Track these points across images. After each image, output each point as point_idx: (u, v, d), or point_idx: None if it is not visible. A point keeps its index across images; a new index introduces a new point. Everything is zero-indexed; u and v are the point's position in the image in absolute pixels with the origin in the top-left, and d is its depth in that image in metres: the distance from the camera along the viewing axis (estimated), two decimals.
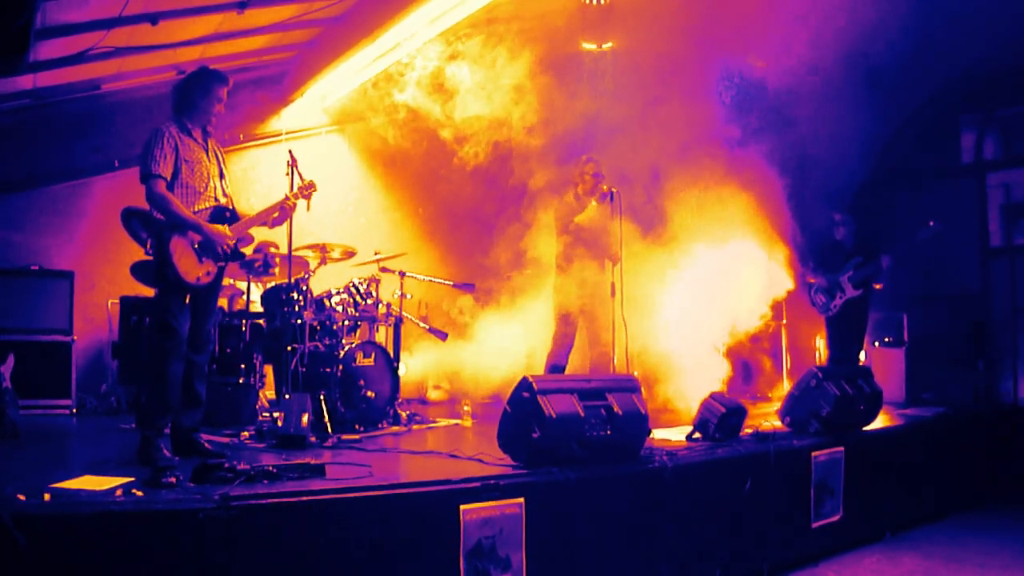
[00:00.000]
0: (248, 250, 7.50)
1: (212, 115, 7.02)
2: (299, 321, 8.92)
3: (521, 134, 10.46)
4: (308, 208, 7.79)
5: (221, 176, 7.11)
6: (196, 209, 6.81)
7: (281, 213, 7.47)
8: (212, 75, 7.02)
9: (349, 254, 10.07)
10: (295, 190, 7.66)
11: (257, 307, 9.92)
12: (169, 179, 6.69)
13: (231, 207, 7.11)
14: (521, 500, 5.81)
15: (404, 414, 9.49)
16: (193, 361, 6.93)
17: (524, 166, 10.64)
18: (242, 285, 10.17)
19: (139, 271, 9.99)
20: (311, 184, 7.76)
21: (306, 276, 9.45)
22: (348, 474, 5.84)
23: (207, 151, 7.02)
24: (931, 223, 10.77)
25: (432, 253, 13.99)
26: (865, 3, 10.85)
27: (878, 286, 11.21)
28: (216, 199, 6.99)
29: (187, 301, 6.81)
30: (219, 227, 6.86)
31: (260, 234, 8.99)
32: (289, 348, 8.86)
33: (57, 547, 4.35)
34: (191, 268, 6.70)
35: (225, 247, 6.86)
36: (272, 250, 9.91)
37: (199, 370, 7.00)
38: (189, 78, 7.03)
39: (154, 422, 6.63)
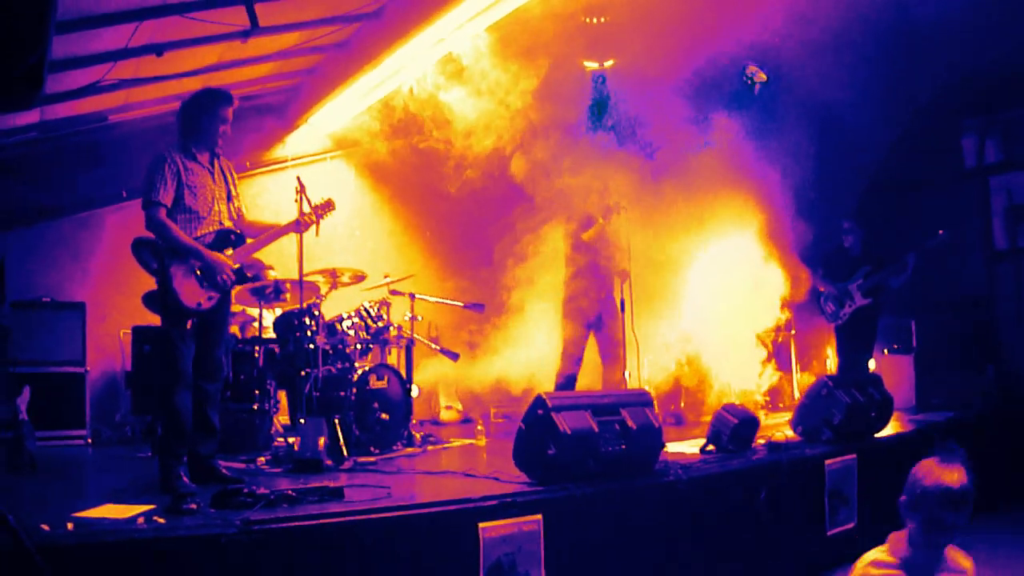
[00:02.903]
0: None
1: (218, 136, 6.99)
2: (312, 346, 8.97)
3: (524, 153, 10.50)
4: (317, 233, 7.81)
5: (229, 199, 7.09)
6: (199, 234, 6.80)
7: (296, 230, 7.56)
8: (215, 95, 7.00)
9: (359, 278, 10.10)
10: (309, 209, 7.68)
11: (270, 333, 9.94)
12: (170, 205, 6.69)
13: (237, 230, 7.09)
14: (539, 516, 5.84)
15: (418, 435, 9.52)
16: (204, 390, 6.89)
17: (529, 184, 10.69)
18: (254, 312, 10.19)
19: (150, 301, 10.02)
20: (328, 203, 7.79)
21: (317, 301, 9.49)
22: (366, 496, 5.88)
23: (213, 174, 7.00)
24: (941, 231, 10.82)
25: (441, 274, 14.00)
26: (863, 9, 10.92)
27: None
28: (220, 223, 6.98)
29: (189, 327, 6.77)
30: (220, 255, 6.83)
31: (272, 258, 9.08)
32: (303, 373, 8.90)
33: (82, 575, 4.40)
34: (192, 294, 6.69)
35: (225, 277, 6.81)
36: (272, 274, 9.94)
37: (211, 399, 6.97)
38: (192, 100, 7.01)
39: (171, 450, 6.64)
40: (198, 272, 6.72)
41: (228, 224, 7.05)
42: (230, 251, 6.96)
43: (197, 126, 6.93)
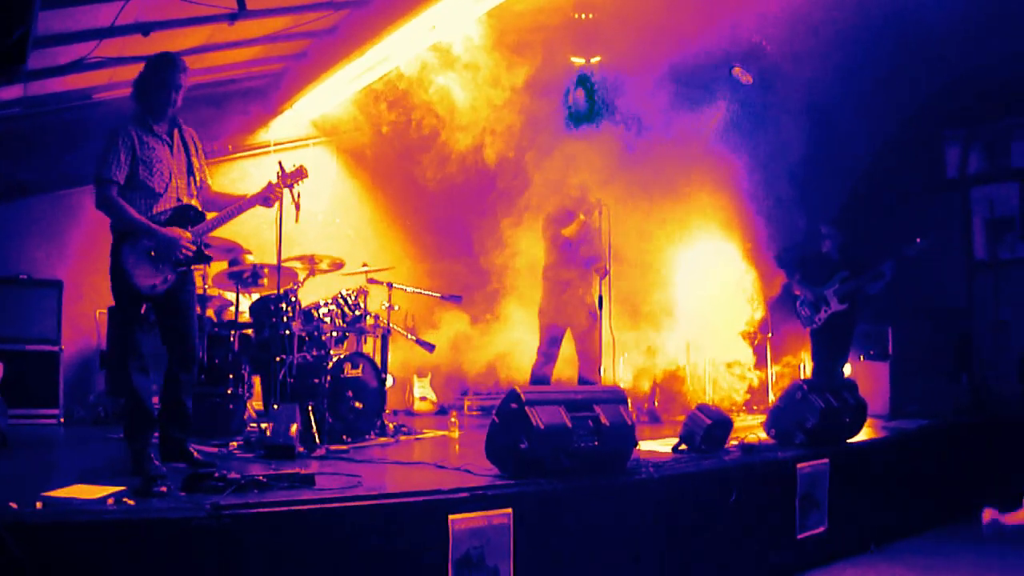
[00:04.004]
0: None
1: (171, 105, 6.66)
2: (287, 332, 8.92)
3: (508, 146, 10.49)
4: (297, 220, 7.61)
5: (190, 172, 6.81)
6: (155, 212, 6.56)
7: (264, 204, 7.08)
8: (166, 61, 6.66)
9: (337, 265, 10.08)
10: (277, 179, 7.21)
11: (247, 318, 9.91)
12: (123, 183, 6.45)
13: (197, 206, 6.80)
14: (509, 510, 5.84)
15: (391, 425, 9.50)
16: (179, 379, 6.74)
17: (511, 177, 10.68)
18: (231, 296, 10.15)
19: None
20: (300, 170, 7.35)
21: (294, 287, 9.45)
22: (337, 484, 5.87)
23: (172, 146, 6.72)
24: (918, 239, 10.85)
25: (419, 264, 14.01)
26: (849, 18, 10.94)
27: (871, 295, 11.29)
28: (178, 199, 6.70)
29: (143, 311, 6.59)
30: (175, 229, 6.56)
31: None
32: (277, 359, 8.87)
33: (50, 555, 4.36)
34: (145, 275, 6.48)
35: (183, 251, 6.56)
36: (249, 258, 9.89)
37: (185, 387, 6.79)
38: (145, 70, 6.69)
39: (137, 434, 6.53)
40: (152, 253, 6.49)
41: (187, 200, 6.77)
42: (184, 230, 6.63)
43: (150, 96, 6.65)
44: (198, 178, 6.91)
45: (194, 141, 6.95)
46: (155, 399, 6.74)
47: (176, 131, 6.83)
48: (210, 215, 6.90)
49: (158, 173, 6.60)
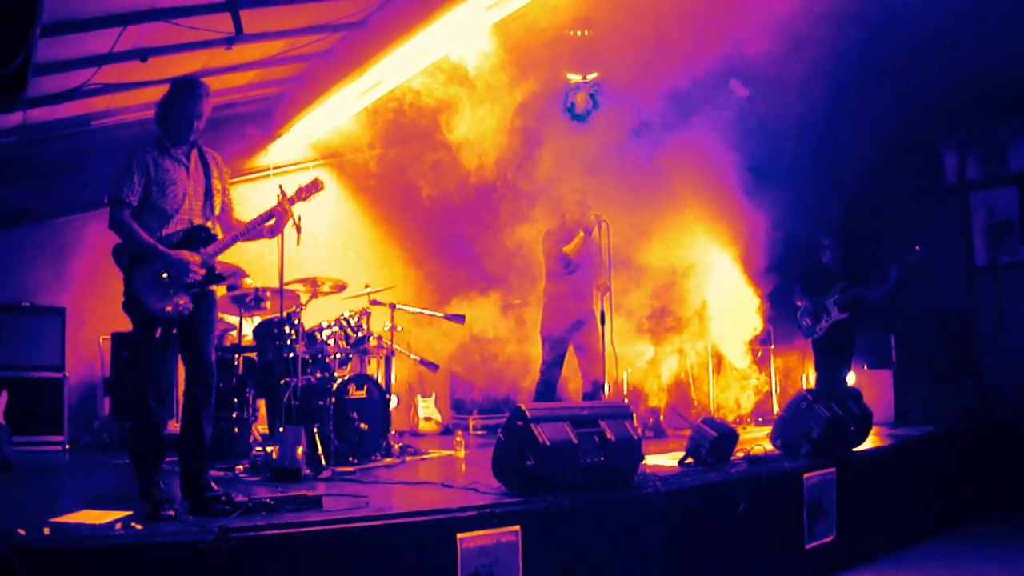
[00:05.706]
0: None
1: (190, 131, 6.61)
2: (291, 355, 8.94)
3: (507, 165, 10.52)
4: (298, 242, 7.60)
5: (208, 195, 6.71)
6: (165, 233, 6.47)
7: (278, 220, 6.89)
8: (184, 87, 6.65)
9: (339, 287, 10.09)
10: (293, 193, 7.04)
11: (249, 341, 9.91)
12: (136, 204, 6.41)
13: (209, 227, 6.68)
14: (517, 527, 5.83)
15: (397, 446, 9.49)
16: (194, 394, 6.53)
17: (511, 196, 10.70)
18: (233, 320, 10.15)
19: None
20: (316, 182, 7.23)
21: (297, 310, 9.46)
22: (344, 505, 5.89)
23: (189, 169, 6.63)
24: (917, 247, 10.84)
25: (422, 284, 14.01)
26: (843, 25, 10.96)
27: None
28: (190, 220, 6.60)
29: (158, 335, 6.47)
30: (184, 253, 6.45)
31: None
32: (282, 382, 8.87)
33: None
34: (157, 299, 6.38)
35: (191, 276, 6.45)
36: (248, 281, 9.88)
37: (202, 406, 6.54)
38: (167, 94, 6.66)
39: (147, 460, 6.47)
40: (163, 276, 6.39)
41: (200, 221, 6.66)
42: (193, 254, 6.50)
43: (169, 119, 6.61)
44: (218, 201, 6.81)
45: (217, 164, 6.87)
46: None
47: (195, 152, 6.75)
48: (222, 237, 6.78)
49: (171, 195, 6.53)
